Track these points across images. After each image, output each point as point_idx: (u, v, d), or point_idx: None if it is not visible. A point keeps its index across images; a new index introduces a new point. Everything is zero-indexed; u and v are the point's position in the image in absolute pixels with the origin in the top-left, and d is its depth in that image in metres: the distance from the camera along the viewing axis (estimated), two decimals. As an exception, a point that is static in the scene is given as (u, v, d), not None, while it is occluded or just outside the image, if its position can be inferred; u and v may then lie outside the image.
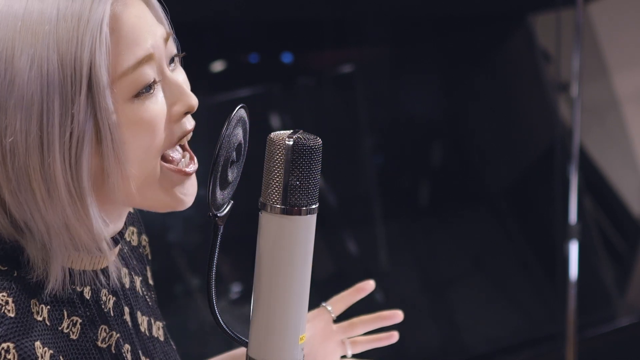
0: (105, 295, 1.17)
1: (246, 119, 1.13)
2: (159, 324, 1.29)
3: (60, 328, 1.10)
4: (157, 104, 1.09)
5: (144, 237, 1.36)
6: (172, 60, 1.14)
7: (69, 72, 1.03)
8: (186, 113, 1.12)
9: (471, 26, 3.68)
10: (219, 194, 1.11)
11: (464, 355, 3.39)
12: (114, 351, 1.15)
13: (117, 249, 1.19)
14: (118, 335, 1.17)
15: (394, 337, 1.55)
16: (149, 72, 1.08)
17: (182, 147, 1.15)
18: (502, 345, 3.44)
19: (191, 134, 1.15)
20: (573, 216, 3.03)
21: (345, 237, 3.34)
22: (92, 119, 1.04)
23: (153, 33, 1.10)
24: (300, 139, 1.05)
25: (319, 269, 3.25)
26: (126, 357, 1.17)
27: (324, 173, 1.08)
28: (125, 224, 1.19)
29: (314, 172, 1.06)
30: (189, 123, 1.13)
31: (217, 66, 3.25)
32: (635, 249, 3.90)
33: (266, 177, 1.06)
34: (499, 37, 3.76)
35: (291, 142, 1.05)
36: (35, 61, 1.03)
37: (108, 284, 1.17)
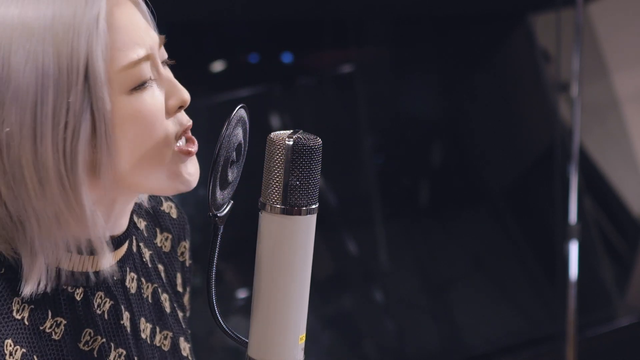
0: (100, 297, 1.16)
1: (246, 119, 1.13)
2: (167, 333, 1.27)
3: (42, 328, 1.11)
4: (154, 98, 1.11)
5: (183, 243, 1.35)
6: (165, 62, 1.16)
7: (65, 64, 1.05)
8: (180, 107, 1.14)
9: (471, 26, 3.67)
10: (219, 194, 1.11)
11: (464, 355, 3.39)
12: (96, 355, 1.15)
13: (120, 252, 1.19)
14: (104, 340, 1.16)
15: None
16: (146, 70, 1.10)
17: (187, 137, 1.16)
18: (502, 345, 3.44)
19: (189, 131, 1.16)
20: (573, 216, 3.03)
21: (345, 237, 3.34)
22: (89, 109, 1.06)
23: (149, 35, 1.13)
24: (300, 139, 1.05)
25: (319, 269, 3.25)
26: None
27: (324, 173, 1.08)
28: (129, 227, 1.19)
29: (314, 172, 1.06)
30: (187, 119, 1.15)
31: (217, 66, 3.25)
32: (635, 249, 3.90)
33: (266, 177, 1.06)
34: (499, 37, 3.76)
35: (291, 142, 1.05)
36: (31, 55, 1.05)
37: (105, 287, 1.17)
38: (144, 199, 1.27)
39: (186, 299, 1.35)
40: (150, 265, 1.27)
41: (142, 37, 1.11)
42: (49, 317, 1.12)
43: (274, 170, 1.06)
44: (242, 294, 3.02)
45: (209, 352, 2.93)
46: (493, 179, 3.80)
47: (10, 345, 1.07)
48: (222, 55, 3.22)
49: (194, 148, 1.15)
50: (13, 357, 1.07)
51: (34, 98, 1.05)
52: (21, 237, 1.09)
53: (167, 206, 1.33)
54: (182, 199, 2.87)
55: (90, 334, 1.15)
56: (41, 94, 1.05)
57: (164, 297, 1.28)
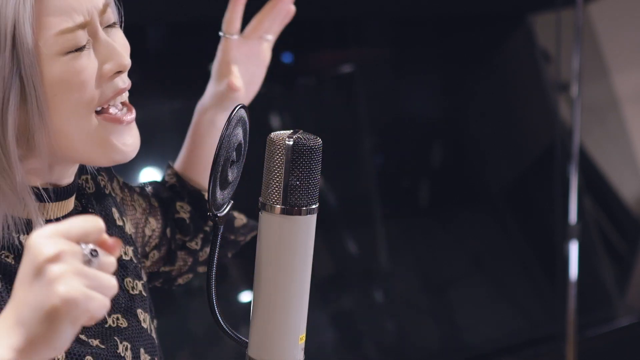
0: None
1: (246, 119, 1.13)
2: (129, 280, 1.28)
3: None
4: (86, 61, 1.11)
5: (116, 179, 1.36)
6: (110, 25, 1.16)
7: None
8: (118, 72, 1.15)
9: (471, 26, 3.67)
10: (219, 194, 1.11)
11: (464, 355, 3.39)
12: None
13: (67, 207, 1.20)
14: None
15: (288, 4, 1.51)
16: (82, 35, 1.11)
17: (122, 103, 1.17)
18: (502, 345, 3.44)
19: (127, 92, 1.17)
20: (573, 216, 3.03)
21: (345, 237, 3.33)
22: (17, 75, 1.07)
23: (89, 0, 1.12)
24: (300, 139, 1.05)
25: (319, 269, 3.25)
26: None
27: (324, 173, 1.08)
28: (74, 183, 1.20)
29: (314, 172, 1.06)
30: (122, 82, 1.15)
31: (217, 66, 3.24)
32: (635, 249, 3.90)
33: (266, 177, 1.07)
34: (499, 37, 3.76)
35: (291, 142, 1.05)
36: None
37: None
38: None
39: (128, 227, 1.35)
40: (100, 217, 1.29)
41: (80, 1, 1.11)
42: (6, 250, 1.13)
43: (274, 170, 1.06)
44: (242, 294, 3.02)
45: (208, 352, 2.93)
46: (493, 179, 3.80)
47: None
48: (222, 55, 3.21)
49: (128, 117, 1.16)
50: None
51: None
52: None
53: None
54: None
55: None
56: None
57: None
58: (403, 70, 3.64)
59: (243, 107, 1.12)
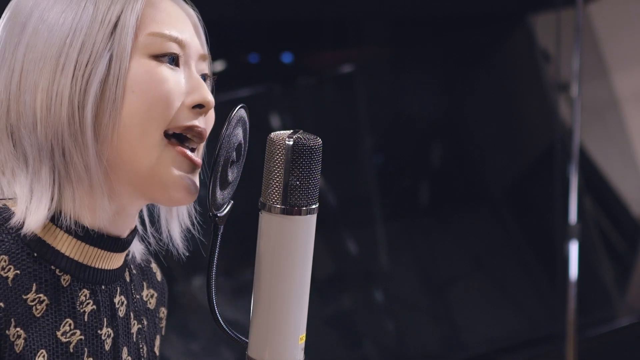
0: (85, 296, 1.12)
1: (246, 119, 1.13)
2: None
3: (24, 297, 1.07)
4: (170, 75, 1.12)
5: (163, 309, 1.31)
6: (203, 78, 1.17)
7: (102, 9, 1.11)
8: (200, 106, 1.13)
9: (471, 26, 3.68)
10: (219, 194, 1.10)
11: (464, 355, 3.39)
12: (72, 350, 1.11)
13: (113, 261, 1.16)
14: (82, 337, 1.12)
15: None
16: (173, 47, 1.13)
17: (193, 149, 1.14)
18: (502, 345, 3.44)
19: (202, 143, 1.14)
20: (573, 216, 3.03)
21: (345, 237, 3.34)
22: (109, 53, 1.10)
23: (192, 34, 1.17)
24: (300, 139, 1.05)
25: (319, 269, 3.25)
26: None
27: (324, 173, 1.08)
28: (127, 240, 1.16)
29: (314, 172, 1.06)
30: (199, 121, 1.13)
31: (217, 66, 3.25)
32: (635, 249, 3.90)
33: (266, 177, 1.06)
34: (499, 37, 3.76)
35: (291, 142, 1.05)
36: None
37: (91, 287, 1.13)
38: (136, 250, 1.24)
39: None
40: (139, 307, 1.23)
41: (182, 28, 1.15)
42: (33, 290, 1.08)
43: (274, 170, 1.05)
44: (241, 293, 3.02)
45: (209, 352, 2.93)
46: (493, 178, 3.80)
47: None
48: (222, 55, 3.22)
49: (195, 157, 1.12)
50: None
51: (67, 32, 1.10)
52: (23, 170, 1.10)
53: (154, 266, 1.30)
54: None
55: (70, 325, 1.11)
56: (75, 28, 1.10)
57: (142, 345, 1.23)
58: (403, 70, 3.64)
59: (243, 107, 1.12)
